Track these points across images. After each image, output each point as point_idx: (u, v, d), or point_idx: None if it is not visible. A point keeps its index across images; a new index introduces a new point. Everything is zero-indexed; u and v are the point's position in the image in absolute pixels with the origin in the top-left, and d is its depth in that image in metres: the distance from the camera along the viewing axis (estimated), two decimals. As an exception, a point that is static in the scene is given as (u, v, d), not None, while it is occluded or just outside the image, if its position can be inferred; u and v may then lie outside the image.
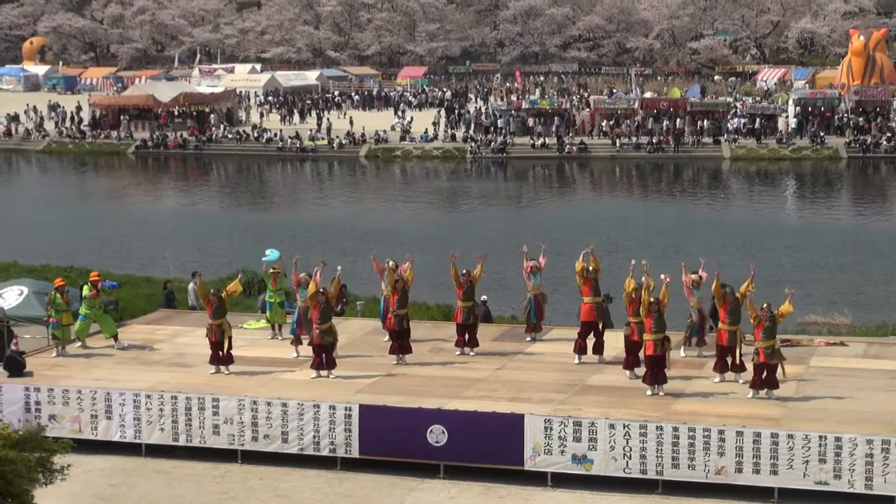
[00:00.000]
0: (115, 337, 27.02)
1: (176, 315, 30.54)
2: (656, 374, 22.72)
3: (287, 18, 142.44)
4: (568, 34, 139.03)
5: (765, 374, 22.36)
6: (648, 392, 22.67)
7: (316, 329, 24.18)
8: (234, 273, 33.27)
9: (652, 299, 22.76)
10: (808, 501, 20.31)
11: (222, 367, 24.62)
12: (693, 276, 25.32)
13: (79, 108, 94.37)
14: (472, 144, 79.98)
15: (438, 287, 36.36)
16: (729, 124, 80.00)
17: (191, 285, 28.23)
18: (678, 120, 79.96)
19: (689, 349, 25.52)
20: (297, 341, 25.97)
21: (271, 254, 28.42)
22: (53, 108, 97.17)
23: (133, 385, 23.69)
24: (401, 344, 25.31)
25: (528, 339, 27.01)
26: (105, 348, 26.75)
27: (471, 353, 25.89)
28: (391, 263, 26.86)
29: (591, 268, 25.30)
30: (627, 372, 23.90)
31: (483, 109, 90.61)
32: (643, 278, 23.36)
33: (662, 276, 23.51)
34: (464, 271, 26.08)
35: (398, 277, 25.72)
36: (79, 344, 26.83)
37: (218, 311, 24.65)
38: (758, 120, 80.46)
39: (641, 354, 23.26)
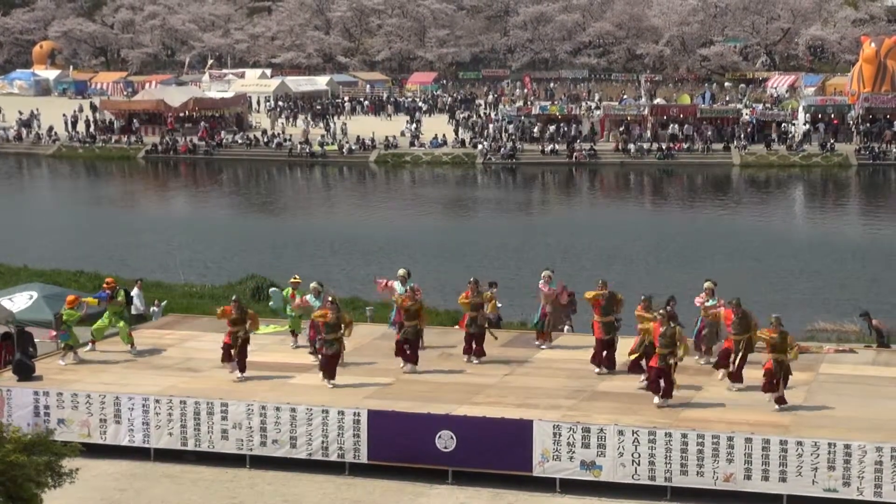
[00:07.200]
0: (94, 342, 26.97)
1: (185, 320, 30.58)
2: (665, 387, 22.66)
3: (297, 24, 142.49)
4: (578, 40, 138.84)
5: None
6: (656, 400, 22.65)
7: (321, 338, 24.28)
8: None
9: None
10: (817, 509, 20.30)
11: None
12: (707, 285, 25.39)
13: (85, 115, 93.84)
14: (482, 150, 79.95)
15: (448, 293, 36.40)
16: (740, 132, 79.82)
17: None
18: (686, 126, 80.00)
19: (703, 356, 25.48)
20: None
21: (274, 296, 28.27)
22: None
23: (142, 389, 23.69)
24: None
25: (541, 345, 27.02)
26: (114, 353, 26.72)
27: (475, 362, 25.81)
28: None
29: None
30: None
31: (493, 115, 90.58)
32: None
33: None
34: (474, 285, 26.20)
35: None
36: (89, 347, 26.79)
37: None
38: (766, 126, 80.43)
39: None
